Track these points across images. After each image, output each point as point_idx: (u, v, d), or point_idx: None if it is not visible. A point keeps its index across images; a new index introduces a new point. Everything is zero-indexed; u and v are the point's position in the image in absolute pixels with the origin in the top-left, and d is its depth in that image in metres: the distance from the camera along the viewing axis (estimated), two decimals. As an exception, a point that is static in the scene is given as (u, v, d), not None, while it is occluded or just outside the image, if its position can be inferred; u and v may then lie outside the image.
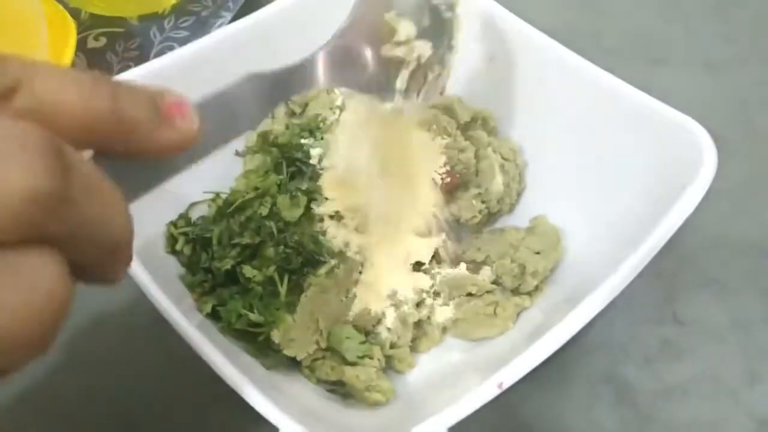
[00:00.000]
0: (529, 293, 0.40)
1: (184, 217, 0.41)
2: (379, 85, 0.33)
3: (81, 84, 0.18)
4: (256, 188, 0.41)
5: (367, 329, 0.38)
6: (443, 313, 0.40)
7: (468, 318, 0.39)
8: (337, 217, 0.40)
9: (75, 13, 0.54)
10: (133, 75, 0.40)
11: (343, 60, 0.31)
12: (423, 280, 0.40)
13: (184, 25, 0.57)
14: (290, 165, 0.42)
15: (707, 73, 0.56)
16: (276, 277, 0.37)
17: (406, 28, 0.32)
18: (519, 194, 0.45)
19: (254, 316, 0.36)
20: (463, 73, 0.36)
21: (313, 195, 0.40)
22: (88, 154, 0.19)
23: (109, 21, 0.57)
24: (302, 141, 0.43)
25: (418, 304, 0.40)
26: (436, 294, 0.40)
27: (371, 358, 0.37)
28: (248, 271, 0.37)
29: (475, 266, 0.42)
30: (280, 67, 0.28)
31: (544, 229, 0.41)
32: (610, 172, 0.40)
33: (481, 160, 0.44)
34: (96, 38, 0.56)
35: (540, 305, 0.40)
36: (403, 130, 0.39)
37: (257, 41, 0.44)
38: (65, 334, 0.40)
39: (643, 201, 0.38)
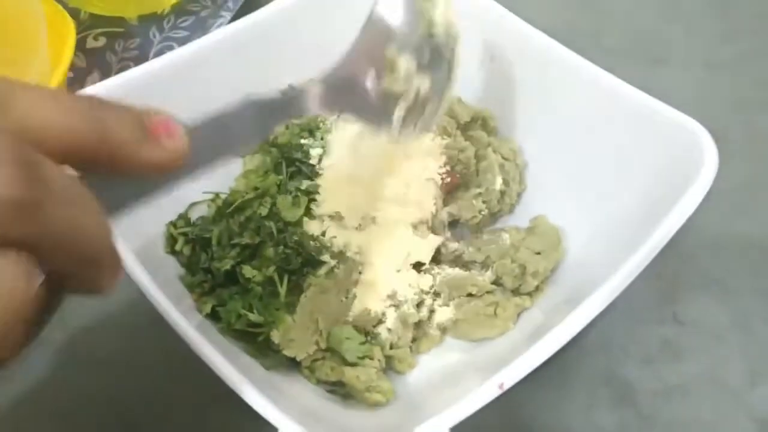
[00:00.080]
0: (529, 294, 0.40)
1: (183, 217, 0.41)
2: (377, 116, 0.33)
3: (63, 104, 0.18)
4: (256, 188, 0.41)
5: (367, 330, 0.38)
6: (443, 313, 0.40)
7: (468, 318, 0.39)
8: (337, 217, 0.40)
9: (74, 13, 0.54)
10: (133, 75, 0.40)
11: (342, 90, 0.31)
12: (423, 281, 0.40)
13: (183, 25, 0.57)
14: (290, 165, 0.42)
15: (707, 73, 0.56)
16: (276, 277, 0.37)
17: (406, 63, 0.32)
18: (519, 194, 0.45)
19: (254, 317, 0.36)
20: (463, 73, 0.36)
21: (313, 195, 0.40)
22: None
23: (108, 21, 0.57)
24: (302, 141, 0.43)
25: (419, 305, 0.40)
26: (437, 294, 0.40)
27: (371, 358, 0.37)
28: (248, 271, 0.37)
29: (475, 266, 0.42)
30: (277, 93, 0.28)
31: (544, 229, 0.41)
32: (610, 172, 0.40)
33: (481, 160, 0.44)
34: (95, 38, 0.56)
35: (540, 306, 0.40)
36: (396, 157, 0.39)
37: (257, 41, 0.44)
38: (65, 334, 0.40)
39: (643, 201, 0.37)
